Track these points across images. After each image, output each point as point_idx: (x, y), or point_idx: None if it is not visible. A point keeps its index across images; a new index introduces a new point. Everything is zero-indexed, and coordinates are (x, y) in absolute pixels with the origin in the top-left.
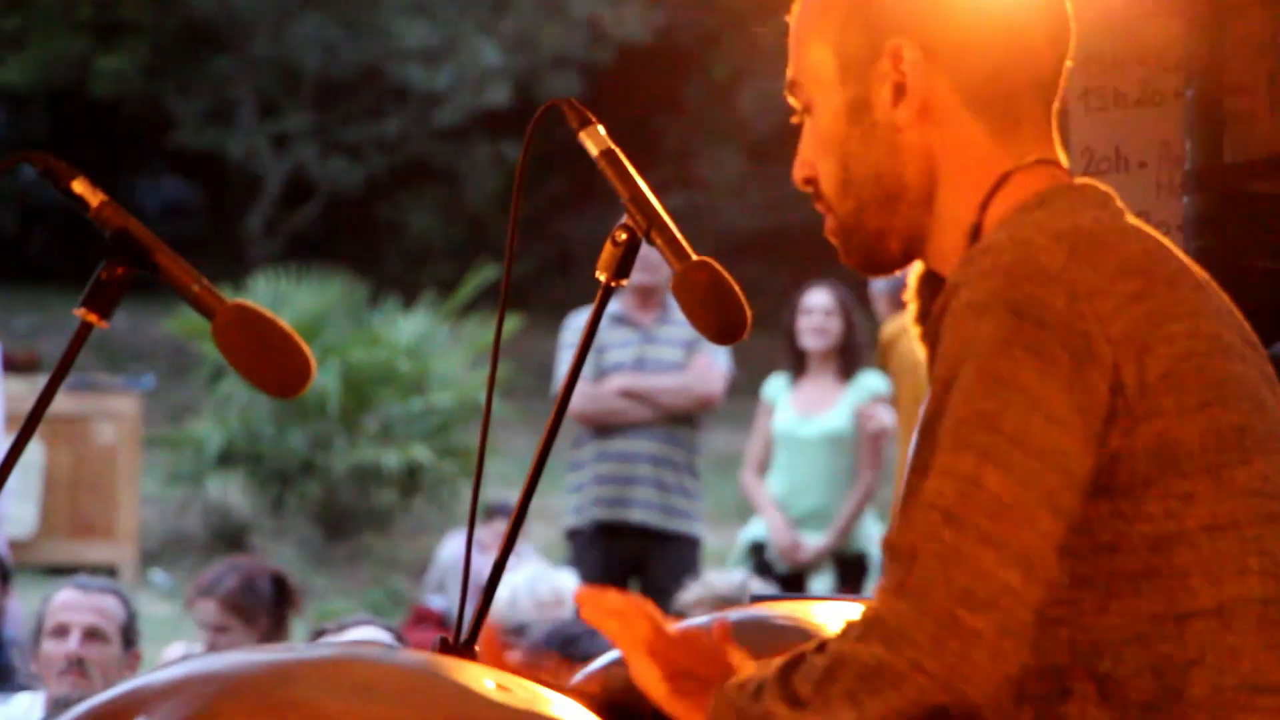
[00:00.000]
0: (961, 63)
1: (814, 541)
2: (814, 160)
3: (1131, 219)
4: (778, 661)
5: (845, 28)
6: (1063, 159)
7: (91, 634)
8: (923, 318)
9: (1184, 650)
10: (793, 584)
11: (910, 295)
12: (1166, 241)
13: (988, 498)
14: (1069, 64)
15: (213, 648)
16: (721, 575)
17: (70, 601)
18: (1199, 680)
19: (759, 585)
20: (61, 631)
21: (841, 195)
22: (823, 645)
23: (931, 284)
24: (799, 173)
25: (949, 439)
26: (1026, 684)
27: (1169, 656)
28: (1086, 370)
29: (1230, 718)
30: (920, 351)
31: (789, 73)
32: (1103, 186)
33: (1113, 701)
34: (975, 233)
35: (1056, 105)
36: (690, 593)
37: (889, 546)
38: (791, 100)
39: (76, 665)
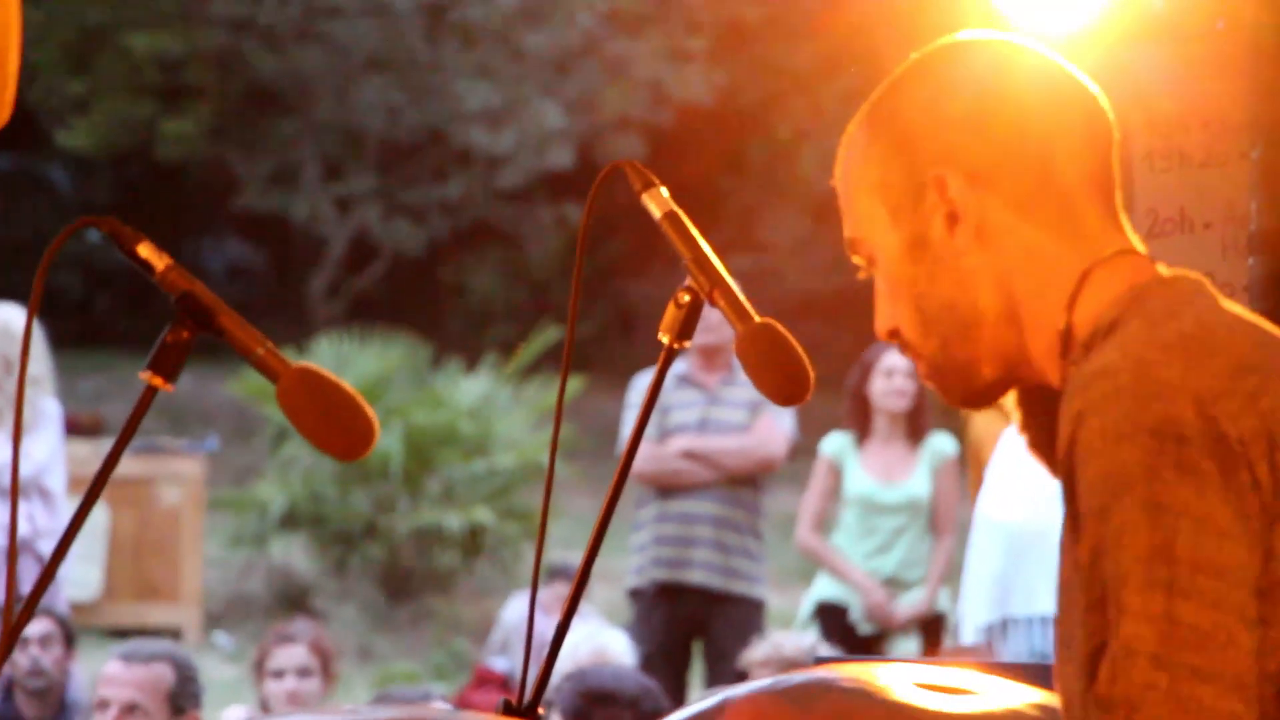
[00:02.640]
0: (1004, 179)
1: (908, 601)
2: (891, 311)
3: (1226, 304)
4: None
5: (886, 172)
6: (1136, 243)
7: (129, 710)
8: (1026, 427)
9: None
10: (872, 647)
11: (1012, 405)
12: (1263, 323)
13: (1188, 632)
14: (1118, 138)
15: (293, 698)
16: (789, 637)
17: (112, 675)
18: None
19: (825, 648)
20: (103, 706)
21: (924, 336)
22: None
23: (1030, 392)
24: (882, 327)
25: (1134, 580)
26: None
27: None
28: (1235, 473)
29: None
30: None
31: (846, 232)
32: (1192, 276)
33: None
34: (1068, 334)
35: (1119, 194)
36: (756, 652)
37: (1100, 700)
38: (855, 259)
39: None
